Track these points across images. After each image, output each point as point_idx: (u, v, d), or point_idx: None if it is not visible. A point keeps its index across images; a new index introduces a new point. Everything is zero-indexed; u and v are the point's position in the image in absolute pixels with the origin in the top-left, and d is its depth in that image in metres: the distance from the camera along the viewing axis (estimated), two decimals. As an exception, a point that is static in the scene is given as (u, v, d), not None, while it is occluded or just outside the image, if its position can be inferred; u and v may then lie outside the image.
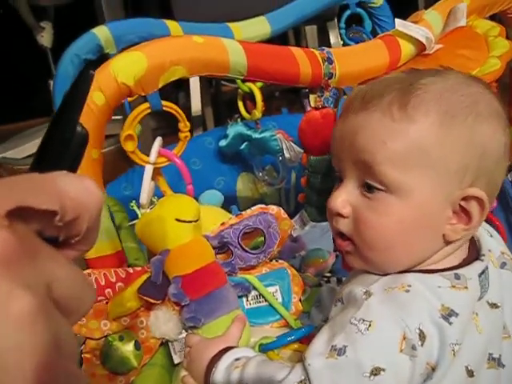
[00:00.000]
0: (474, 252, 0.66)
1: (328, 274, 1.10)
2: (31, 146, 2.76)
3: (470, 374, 0.59)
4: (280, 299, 0.90)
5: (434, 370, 0.57)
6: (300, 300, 0.92)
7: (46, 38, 2.50)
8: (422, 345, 0.55)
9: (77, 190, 0.30)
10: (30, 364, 0.23)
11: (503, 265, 0.69)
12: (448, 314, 0.57)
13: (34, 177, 0.30)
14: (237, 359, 0.68)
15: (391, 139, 0.59)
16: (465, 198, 0.60)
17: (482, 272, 0.63)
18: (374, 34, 1.41)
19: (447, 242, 0.62)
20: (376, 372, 0.54)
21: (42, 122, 2.86)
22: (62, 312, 0.27)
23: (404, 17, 1.05)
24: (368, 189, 0.62)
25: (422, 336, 0.56)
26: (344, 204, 0.64)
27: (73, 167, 0.35)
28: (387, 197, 0.61)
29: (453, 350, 0.56)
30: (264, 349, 0.78)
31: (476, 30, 1.06)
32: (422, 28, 0.98)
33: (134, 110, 0.82)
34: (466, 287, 0.60)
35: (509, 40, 1.02)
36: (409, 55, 0.99)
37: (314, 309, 0.94)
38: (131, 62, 0.76)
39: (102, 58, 1.10)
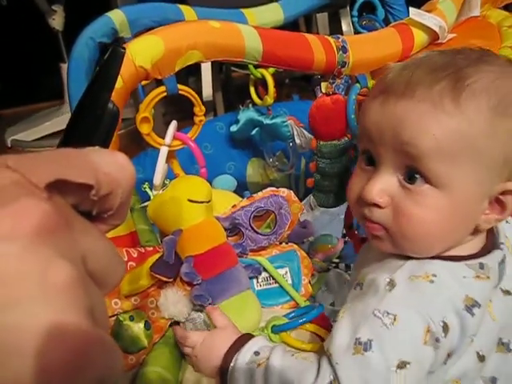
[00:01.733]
0: (492, 238, 0.65)
1: (336, 260, 1.11)
2: (41, 129, 2.77)
3: (481, 359, 0.60)
4: (290, 281, 0.92)
5: (449, 356, 0.58)
6: (309, 282, 0.94)
7: (57, 21, 2.50)
8: (445, 336, 0.56)
9: (110, 165, 0.30)
10: (68, 332, 0.23)
11: None
12: (472, 305, 0.57)
13: (70, 152, 0.30)
14: (256, 353, 0.66)
15: (442, 133, 0.56)
16: (503, 192, 0.59)
17: (502, 261, 0.63)
18: (387, 22, 1.41)
19: (477, 231, 0.62)
20: (402, 365, 0.55)
21: (52, 104, 2.87)
22: (96, 284, 0.28)
23: (417, 5, 1.05)
24: (409, 179, 0.59)
25: (446, 328, 0.56)
26: (381, 194, 0.60)
27: (105, 143, 0.36)
28: (430, 189, 0.58)
29: (471, 340, 0.58)
30: (276, 330, 0.79)
31: (489, 20, 1.06)
32: (436, 17, 0.99)
33: (151, 93, 0.83)
34: (489, 277, 0.59)
35: (522, 30, 1.02)
36: (422, 44, 1.00)
37: (319, 293, 0.95)
38: (149, 46, 0.77)
39: (116, 41, 1.11)
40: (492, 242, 0.65)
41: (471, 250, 0.62)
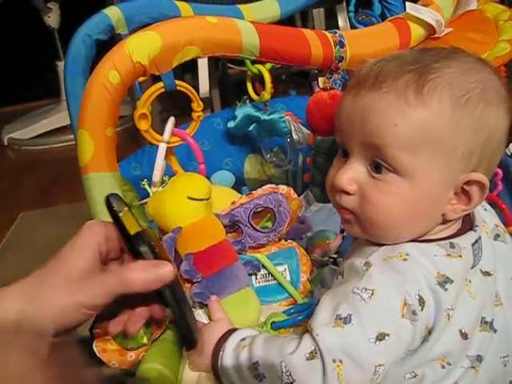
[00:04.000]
0: (468, 223, 0.69)
1: (334, 255, 1.11)
2: (38, 127, 2.77)
3: (464, 336, 0.62)
4: (289, 278, 0.92)
5: (430, 332, 0.60)
6: (308, 279, 0.94)
7: (52, 19, 2.50)
8: (421, 310, 0.59)
9: None
10: None
11: (497, 236, 0.74)
12: (444, 281, 0.60)
13: None
14: (242, 339, 0.69)
15: (404, 123, 0.59)
16: (467, 182, 0.62)
17: (475, 242, 0.66)
18: (383, 18, 1.40)
19: (445, 221, 0.65)
20: (381, 337, 0.57)
21: (49, 102, 2.87)
22: None
23: (414, 0, 1.05)
24: (376, 169, 0.63)
25: (422, 301, 0.59)
26: (350, 182, 0.64)
27: None
28: (395, 178, 0.61)
29: (448, 315, 0.60)
30: (275, 326, 0.79)
31: (486, 13, 1.06)
32: (433, 11, 0.98)
33: (149, 89, 0.83)
34: (460, 256, 0.63)
35: (519, 24, 1.02)
36: (419, 38, 0.99)
37: (317, 290, 0.95)
38: (146, 42, 0.76)
39: (113, 38, 1.10)
40: (467, 225, 0.68)
41: (444, 234, 0.66)
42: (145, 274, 0.60)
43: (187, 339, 0.67)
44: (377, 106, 0.61)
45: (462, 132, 0.60)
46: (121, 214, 0.62)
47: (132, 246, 0.62)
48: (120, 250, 0.66)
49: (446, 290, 0.60)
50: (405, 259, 0.61)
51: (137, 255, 0.61)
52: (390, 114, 0.60)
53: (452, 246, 0.63)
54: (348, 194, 0.65)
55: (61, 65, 2.62)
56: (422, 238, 0.65)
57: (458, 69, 0.61)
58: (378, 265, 0.61)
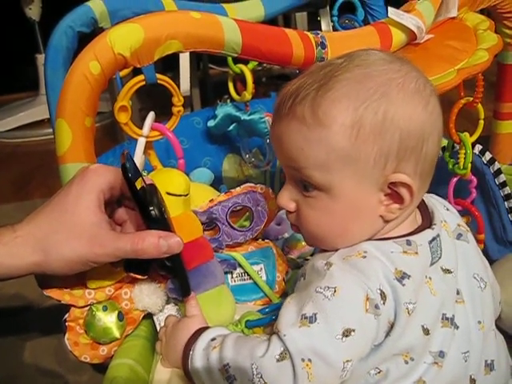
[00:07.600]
0: (427, 221, 0.72)
1: (310, 257, 1.11)
2: (15, 120, 2.75)
3: (426, 332, 0.64)
4: (264, 278, 0.92)
5: (392, 327, 0.62)
6: (284, 279, 0.94)
7: (34, 10, 2.48)
8: (383, 303, 0.61)
9: None
10: None
11: (459, 236, 0.76)
12: (401, 277, 0.62)
13: None
14: (213, 339, 0.69)
15: (308, 146, 0.63)
16: (392, 184, 0.64)
17: (433, 239, 0.68)
18: (366, 23, 1.41)
19: (387, 221, 0.67)
20: (347, 333, 0.59)
21: (27, 95, 2.84)
22: None
23: (397, 6, 1.06)
24: (304, 187, 0.67)
25: (383, 295, 0.61)
26: (288, 202, 0.70)
27: None
28: (319, 194, 0.66)
29: (407, 309, 0.62)
30: (250, 325, 0.79)
31: (466, 22, 1.08)
32: (414, 17, 0.99)
33: (129, 82, 0.83)
34: (417, 253, 0.65)
35: (497, 34, 1.04)
36: (399, 43, 1.00)
37: (291, 291, 0.96)
38: (128, 33, 0.76)
39: (95, 32, 1.09)
40: (426, 224, 0.71)
41: (401, 232, 0.68)
42: (156, 245, 0.67)
43: (185, 288, 0.76)
44: (284, 133, 0.66)
45: (366, 139, 0.61)
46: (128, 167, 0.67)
47: (140, 198, 0.67)
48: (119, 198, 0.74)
49: (403, 285, 0.62)
50: (363, 256, 0.63)
51: (144, 207, 0.67)
52: (296, 139, 0.64)
53: (408, 243, 0.66)
54: (290, 211, 0.71)
55: (40, 58, 2.59)
56: (378, 237, 0.68)
57: (356, 78, 0.63)
58: (338, 264, 0.64)
